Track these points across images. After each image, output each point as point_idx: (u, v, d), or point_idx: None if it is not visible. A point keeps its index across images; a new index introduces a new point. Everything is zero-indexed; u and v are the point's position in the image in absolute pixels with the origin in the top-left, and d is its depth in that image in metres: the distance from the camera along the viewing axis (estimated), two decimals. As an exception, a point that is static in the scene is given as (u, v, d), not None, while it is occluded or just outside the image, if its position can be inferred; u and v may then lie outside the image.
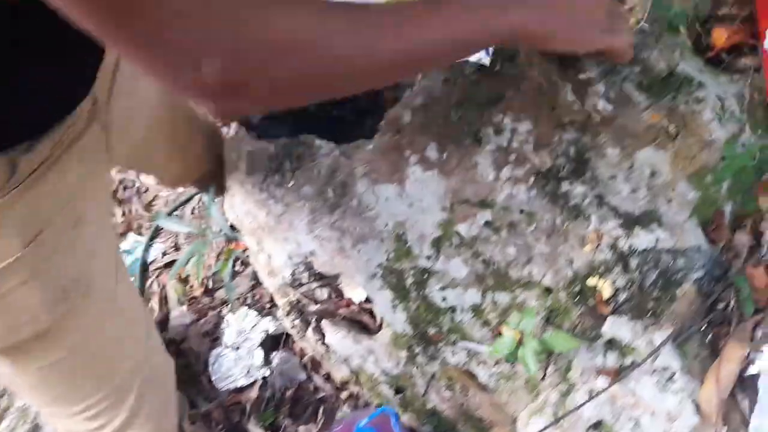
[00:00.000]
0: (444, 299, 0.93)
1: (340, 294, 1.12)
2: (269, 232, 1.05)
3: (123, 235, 1.67)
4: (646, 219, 0.83)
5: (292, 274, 1.08)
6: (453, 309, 0.93)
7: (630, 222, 0.84)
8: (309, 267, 1.06)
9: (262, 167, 0.99)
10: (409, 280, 0.95)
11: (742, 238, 0.87)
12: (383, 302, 0.97)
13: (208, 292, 1.50)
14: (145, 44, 0.41)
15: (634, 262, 0.83)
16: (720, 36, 0.95)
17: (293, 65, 0.46)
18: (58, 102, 0.58)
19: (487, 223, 0.90)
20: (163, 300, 1.55)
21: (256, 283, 1.41)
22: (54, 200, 0.61)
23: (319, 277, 1.08)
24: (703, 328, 0.83)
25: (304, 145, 0.97)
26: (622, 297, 0.83)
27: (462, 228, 0.91)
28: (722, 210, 0.86)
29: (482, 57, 0.93)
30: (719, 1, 1.01)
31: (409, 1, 0.57)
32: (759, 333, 0.81)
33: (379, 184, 0.94)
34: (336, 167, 0.96)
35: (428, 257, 0.93)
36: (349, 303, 1.12)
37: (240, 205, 1.05)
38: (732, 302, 0.83)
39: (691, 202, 0.84)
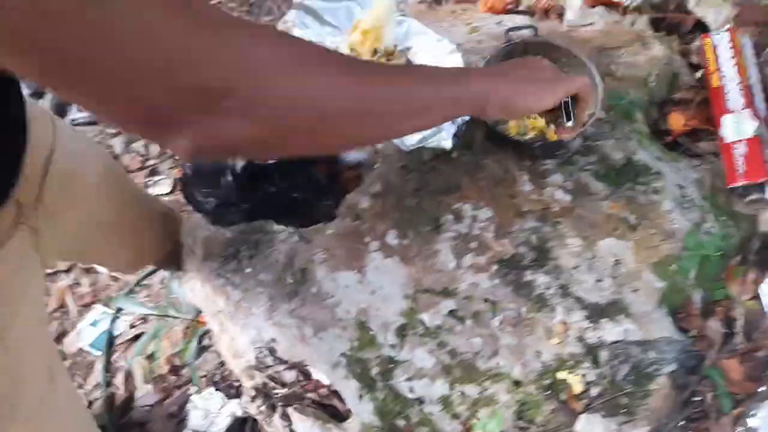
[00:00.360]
0: (411, 390, 0.88)
1: (307, 376, 1.06)
2: (229, 318, 1.01)
3: (88, 306, 1.61)
4: (613, 310, 0.81)
5: (256, 357, 1.03)
6: (421, 400, 0.89)
7: (596, 313, 0.81)
8: (272, 351, 1.01)
9: (218, 253, 0.96)
10: (375, 370, 0.90)
11: (714, 327, 0.85)
12: (349, 392, 0.92)
13: (175, 370, 1.43)
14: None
15: (603, 356, 0.80)
16: (677, 121, 0.96)
17: (272, 101, 0.45)
18: None
19: (451, 312, 0.87)
20: (129, 378, 1.47)
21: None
22: None
23: (285, 360, 1.03)
24: (681, 424, 0.79)
25: (261, 230, 0.95)
26: (594, 392, 0.79)
27: (426, 317, 0.87)
28: (691, 298, 0.84)
29: (444, 140, 0.92)
30: (675, 85, 1.02)
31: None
32: (738, 430, 0.77)
33: (338, 271, 0.91)
34: (294, 253, 0.93)
35: (393, 346, 0.89)
36: (318, 385, 1.07)
37: (199, 289, 1.01)
38: (709, 396, 0.79)
39: (658, 291, 0.82)
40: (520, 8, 1.20)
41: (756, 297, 0.85)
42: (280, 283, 0.94)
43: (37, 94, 1.92)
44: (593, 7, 1.10)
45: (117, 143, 2.05)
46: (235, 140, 0.45)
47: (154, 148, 2.04)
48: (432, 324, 0.87)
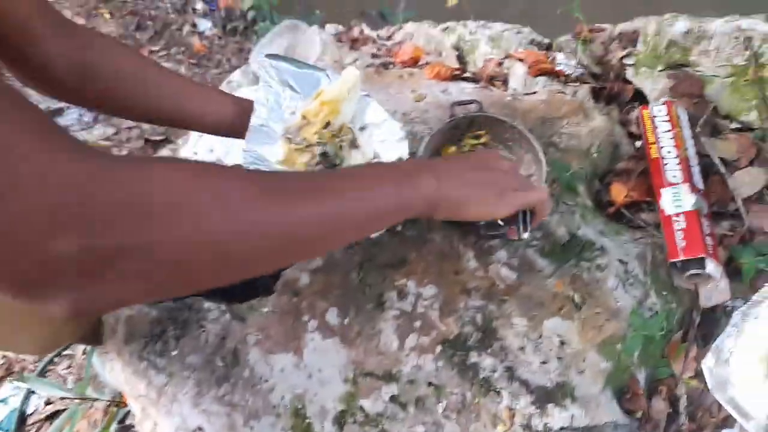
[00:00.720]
0: (350, 484, 0.82)
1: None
2: (151, 403, 0.92)
3: (0, 380, 1.46)
4: (559, 393, 0.77)
5: (182, 446, 0.93)
6: (359, 496, 0.82)
7: (543, 397, 0.77)
8: (201, 440, 0.92)
9: (142, 333, 0.88)
10: (310, 462, 0.83)
11: (659, 407, 0.82)
12: (282, 487, 0.84)
13: (92, 456, 1.30)
14: None
15: (550, 444, 0.76)
16: (619, 192, 0.96)
17: (166, 241, 0.37)
18: None
19: (393, 398, 0.81)
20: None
21: (149, 444, 1.24)
22: None
23: (213, 449, 0.94)
24: None
25: (191, 309, 0.88)
26: (542, 484, 0.75)
27: (366, 403, 0.82)
28: (636, 377, 0.82)
29: None
30: (617, 155, 1.03)
31: (316, 172, 0.53)
32: None
33: (274, 353, 0.85)
34: (226, 333, 0.87)
35: (330, 435, 0.83)
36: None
37: (119, 372, 0.92)
38: (655, 483, 0.76)
39: (604, 372, 0.79)
40: (466, 75, 1.21)
41: (698, 374, 0.83)
42: (209, 367, 0.86)
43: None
44: (536, 76, 1.11)
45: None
46: (128, 298, 0.39)
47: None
48: (373, 411, 0.81)
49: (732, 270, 0.90)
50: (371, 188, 0.54)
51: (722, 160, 1.00)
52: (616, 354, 0.80)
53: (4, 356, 1.52)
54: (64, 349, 1.35)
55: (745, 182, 0.97)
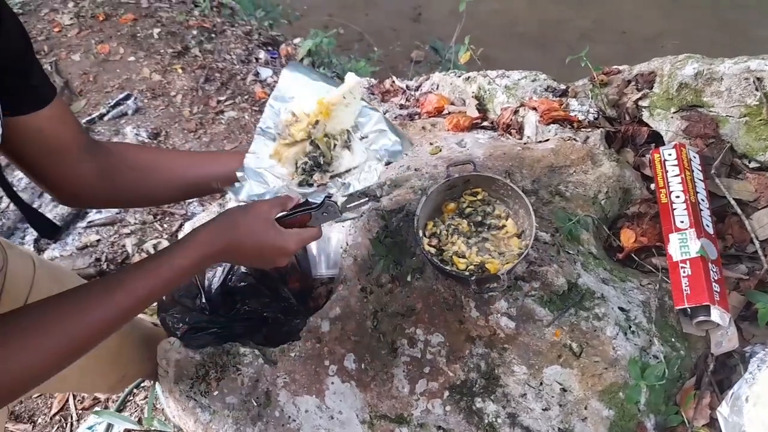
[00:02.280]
0: None
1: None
2: (199, 439, 1.03)
3: (89, 409, 1.66)
4: (561, 440, 0.81)
5: (228, 478, 1.04)
6: None
7: (545, 443, 0.81)
8: (242, 473, 1.03)
9: (189, 375, 1.00)
10: (335, 497, 0.91)
11: (670, 454, 0.83)
12: None
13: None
14: None
15: (553, 489, 0.79)
16: (628, 237, 0.98)
17: None
18: None
19: (406, 440, 0.87)
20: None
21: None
22: None
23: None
24: None
25: (228, 353, 0.99)
26: None
27: (382, 444, 0.88)
28: (645, 425, 0.83)
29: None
30: (628, 200, 1.05)
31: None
32: None
33: (299, 395, 0.94)
34: (258, 376, 0.97)
35: (351, 473, 0.90)
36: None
37: (174, 408, 1.05)
38: None
39: (607, 420, 0.81)
40: (485, 124, 1.27)
41: (712, 422, 0.83)
42: (245, 406, 0.97)
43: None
44: (548, 124, 1.15)
45: (128, 243, 2.17)
46: None
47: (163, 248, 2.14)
48: (388, 452, 0.88)
49: (752, 314, 0.90)
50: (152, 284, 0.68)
51: (739, 201, 0.99)
52: (618, 402, 0.82)
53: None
54: (137, 385, 1.51)
55: (763, 223, 0.96)
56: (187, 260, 0.71)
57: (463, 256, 0.90)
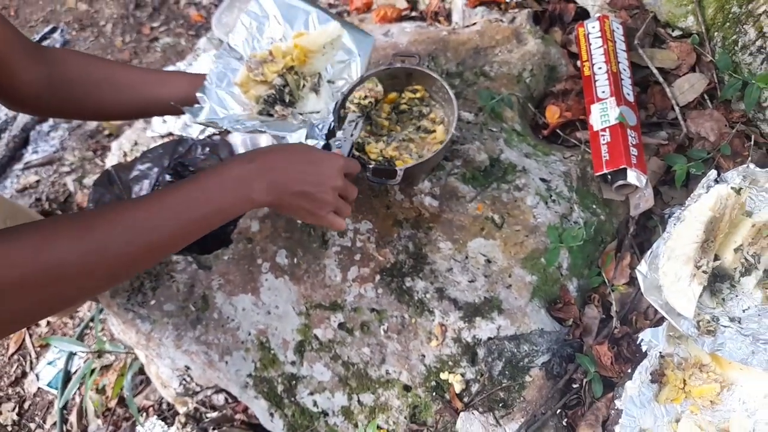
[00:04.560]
0: (315, 404, 0.92)
1: (236, 398, 1.10)
2: (143, 349, 1.04)
3: (45, 347, 1.65)
4: (487, 308, 0.83)
5: (181, 385, 1.06)
6: (325, 413, 0.92)
7: (471, 313, 0.83)
8: (192, 378, 1.05)
9: (124, 287, 0.99)
10: (280, 388, 0.93)
11: (591, 314, 0.87)
12: (260, 411, 0.95)
13: (122, 402, 1.48)
14: None
15: (480, 354, 0.82)
16: (553, 113, 0.98)
17: (18, 303, 0.48)
18: None
19: (341, 325, 0.89)
20: (83, 413, 1.51)
21: (168, 389, 1.39)
22: None
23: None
24: (558, 412, 0.81)
25: (161, 263, 0.98)
26: (474, 389, 0.82)
27: (319, 332, 0.90)
28: (567, 287, 0.86)
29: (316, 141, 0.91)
30: (554, 77, 1.04)
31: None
32: (612, 413, 0.79)
33: (235, 294, 0.94)
34: (193, 282, 0.97)
35: (293, 363, 0.92)
36: (246, 407, 1.10)
37: (116, 324, 1.05)
38: (584, 382, 0.82)
39: (530, 285, 0.84)
40: (413, 15, 1.23)
41: (632, 281, 0.87)
42: (183, 312, 0.97)
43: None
44: (474, 6, 1.12)
45: (69, 181, 2.10)
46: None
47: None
48: (325, 338, 0.90)
49: (671, 179, 0.92)
50: (196, 205, 0.61)
51: (662, 69, 0.99)
52: (540, 267, 0.84)
53: (48, 323, 1.71)
54: (92, 319, 1.50)
55: (684, 89, 0.97)
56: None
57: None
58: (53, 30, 2.67)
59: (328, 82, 0.94)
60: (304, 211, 0.71)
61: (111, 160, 1.27)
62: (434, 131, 0.86)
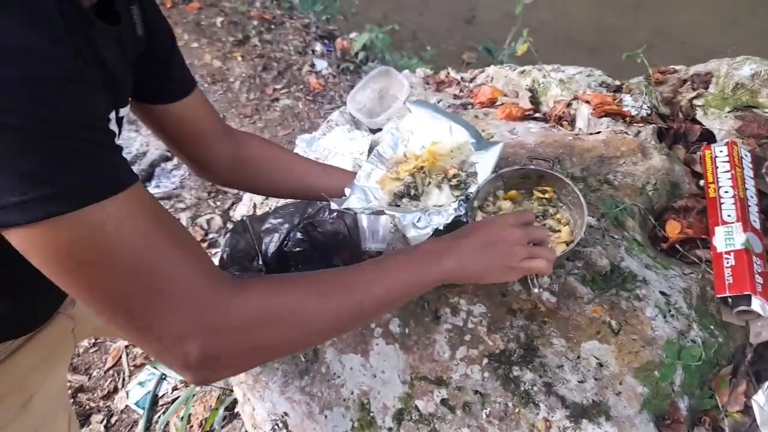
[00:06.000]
0: (405, 474, 0.94)
1: (318, 452, 1.13)
2: (249, 389, 1.11)
3: (140, 366, 1.77)
4: (595, 411, 0.84)
5: (273, 429, 1.12)
6: (413, 486, 0.93)
7: (578, 413, 0.84)
8: (286, 425, 1.10)
9: (244, 329, 1.08)
10: (372, 452, 0.97)
11: (701, 436, 0.85)
12: (348, 471, 0.98)
13: (204, 434, 1.54)
14: (138, 331, 0.50)
15: (583, 457, 0.83)
16: (674, 228, 1.00)
17: (263, 339, 0.56)
18: (9, 328, 0.69)
19: (444, 401, 0.92)
20: (165, 438, 1.59)
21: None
22: (5, 381, 0.70)
23: (297, 435, 1.11)
24: None
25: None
26: (572, 493, 0.82)
27: (420, 403, 0.94)
28: (678, 405, 0.86)
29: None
30: (676, 193, 1.07)
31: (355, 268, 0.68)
32: None
33: (345, 353, 1.00)
34: (309, 334, 1.04)
35: (390, 429, 0.96)
36: (327, 463, 1.13)
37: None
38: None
39: (641, 396, 0.84)
40: (536, 115, 1.31)
41: (745, 409, 0.85)
42: (293, 361, 1.04)
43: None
44: (600, 117, 1.18)
45: (184, 217, 2.29)
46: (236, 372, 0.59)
47: (215, 223, 2.26)
48: (426, 411, 0.93)
49: (794, 310, 0.91)
50: (395, 276, 0.68)
51: (789, 200, 1.00)
52: (653, 380, 0.85)
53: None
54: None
55: (812, 223, 0.97)
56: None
57: None
58: (190, 81, 3.00)
59: (460, 182, 1.04)
60: (498, 270, 0.74)
61: (241, 209, 1.41)
62: (559, 231, 0.91)
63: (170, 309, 0.49)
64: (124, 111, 0.68)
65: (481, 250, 0.73)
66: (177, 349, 0.50)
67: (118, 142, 0.72)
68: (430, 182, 1.04)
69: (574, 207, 0.92)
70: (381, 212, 0.97)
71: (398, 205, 1.02)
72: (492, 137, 1.21)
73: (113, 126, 0.63)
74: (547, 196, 0.94)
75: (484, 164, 0.99)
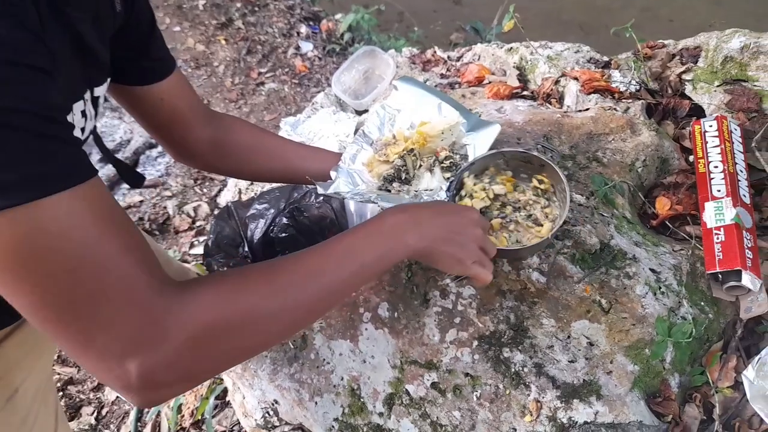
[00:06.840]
0: (396, 459, 0.93)
1: (311, 437, 1.13)
2: (238, 378, 1.10)
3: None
4: (585, 391, 0.83)
5: (263, 417, 1.11)
6: (405, 470, 0.93)
7: (569, 393, 0.84)
8: (277, 412, 1.09)
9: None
10: (364, 436, 0.96)
11: (692, 412, 0.85)
12: (340, 456, 0.98)
13: (197, 423, 1.53)
14: (77, 344, 0.46)
15: (574, 436, 0.82)
16: (663, 205, 0.99)
17: (213, 352, 0.52)
18: None
19: (434, 385, 0.92)
20: (156, 429, 1.58)
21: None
22: None
23: (288, 421, 1.11)
24: None
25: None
26: (564, 473, 0.81)
27: (411, 387, 0.93)
28: (668, 382, 0.85)
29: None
30: (665, 170, 1.06)
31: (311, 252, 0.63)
32: None
33: (334, 339, 0.99)
34: (297, 321, 1.02)
35: (380, 414, 0.95)
36: (321, 449, 1.13)
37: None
38: (680, 484, 0.79)
39: (632, 375, 0.84)
40: (524, 93, 1.29)
41: (735, 384, 0.85)
42: (282, 348, 1.03)
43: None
44: (589, 93, 1.17)
45: (170, 205, 2.26)
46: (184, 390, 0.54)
47: (202, 210, 2.23)
48: (416, 395, 0.92)
49: (784, 284, 0.90)
50: (355, 260, 0.64)
51: (779, 173, 0.99)
52: (644, 358, 0.84)
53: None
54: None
55: (802, 196, 0.96)
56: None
57: None
58: (172, 66, 2.94)
59: (453, 164, 1.01)
60: (452, 259, 0.72)
61: (226, 195, 1.38)
62: (542, 225, 0.89)
63: (111, 321, 0.46)
64: (101, 90, 0.65)
65: (444, 236, 0.71)
66: (117, 367, 0.47)
67: (97, 124, 0.69)
68: (421, 165, 1.02)
69: (563, 205, 0.90)
70: (371, 201, 0.94)
71: (388, 190, 1.00)
72: (480, 116, 1.18)
73: (88, 107, 0.60)
74: (543, 186, 0.92)
75: (479, 146, 0.97)
